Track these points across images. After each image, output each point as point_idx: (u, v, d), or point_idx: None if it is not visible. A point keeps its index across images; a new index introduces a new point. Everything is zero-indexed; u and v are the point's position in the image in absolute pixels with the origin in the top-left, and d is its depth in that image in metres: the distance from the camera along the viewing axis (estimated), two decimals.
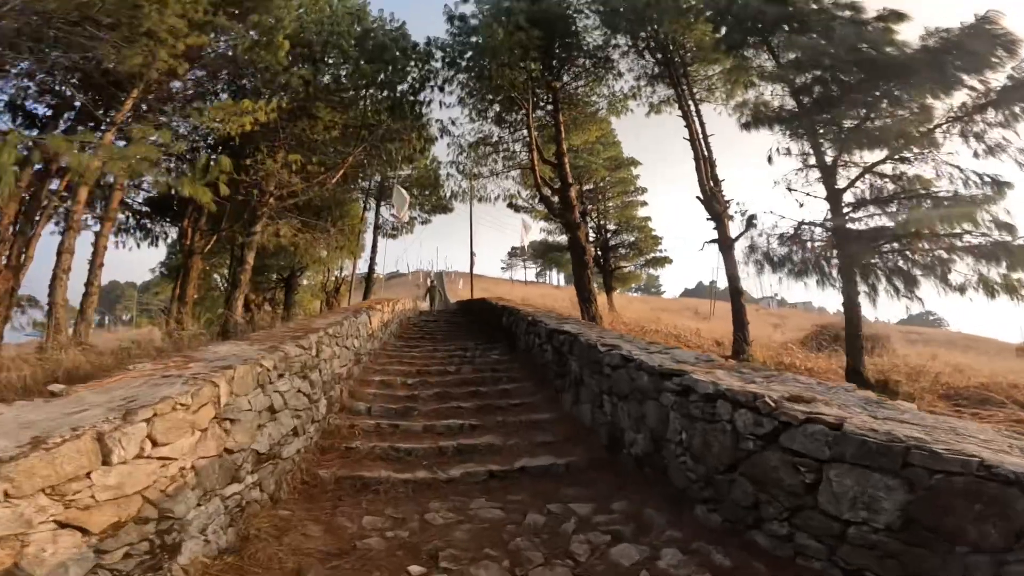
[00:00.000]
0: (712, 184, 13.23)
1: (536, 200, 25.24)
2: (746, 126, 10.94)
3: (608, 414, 4.92)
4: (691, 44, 15.84)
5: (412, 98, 16.05)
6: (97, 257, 12.39)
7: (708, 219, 13.07)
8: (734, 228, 12.71)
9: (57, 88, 11.35)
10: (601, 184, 24.72)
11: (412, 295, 48.34)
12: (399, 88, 15.58)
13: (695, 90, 16.06)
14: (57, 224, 13.77)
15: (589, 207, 23.65)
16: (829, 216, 10.40)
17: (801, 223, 10.06)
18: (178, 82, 11.29)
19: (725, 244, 12.64)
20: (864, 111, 9.94)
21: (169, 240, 18.75)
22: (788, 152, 11.12)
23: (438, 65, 15.87)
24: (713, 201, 12.94)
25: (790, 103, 11.94)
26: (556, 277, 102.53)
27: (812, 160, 10.89)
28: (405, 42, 15.31)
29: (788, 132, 10.62)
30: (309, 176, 14.33)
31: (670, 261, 23.82)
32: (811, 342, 17.41)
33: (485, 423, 5.55)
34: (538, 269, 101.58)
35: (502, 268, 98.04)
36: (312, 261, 17.91)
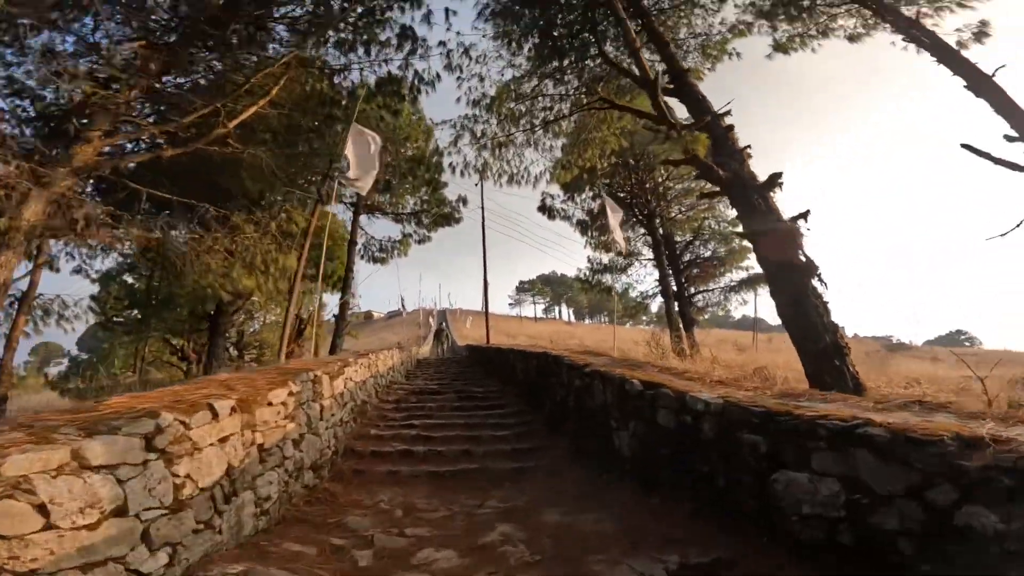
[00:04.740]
0: None
1: (571, 200, 17.67)
2: None
3: None
4: None
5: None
6: None
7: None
8: None
9: None
10: (661, 180, 17.19)
11: (411, 336, 40.25)
12: None
13: None
14: None
15: (654, 206, 16.03)
16: None
17: None
18: None
19: None
20: None
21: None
22: None
23: None
24: None
25: None
26: (566, 313, 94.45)
27: None
28: None
29: None
30: (179, 111, 6.69)
31: None
32: None
33: None
34: (545, 304, 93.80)
35: (510, 304, 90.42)
36: (228, 290, 9.92)
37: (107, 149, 6.39)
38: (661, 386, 3.06)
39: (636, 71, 9.03)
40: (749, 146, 6.43)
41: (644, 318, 37.31)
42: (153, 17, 6.99)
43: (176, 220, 7.35)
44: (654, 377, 3.37)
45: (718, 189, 6.26)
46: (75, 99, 6.30)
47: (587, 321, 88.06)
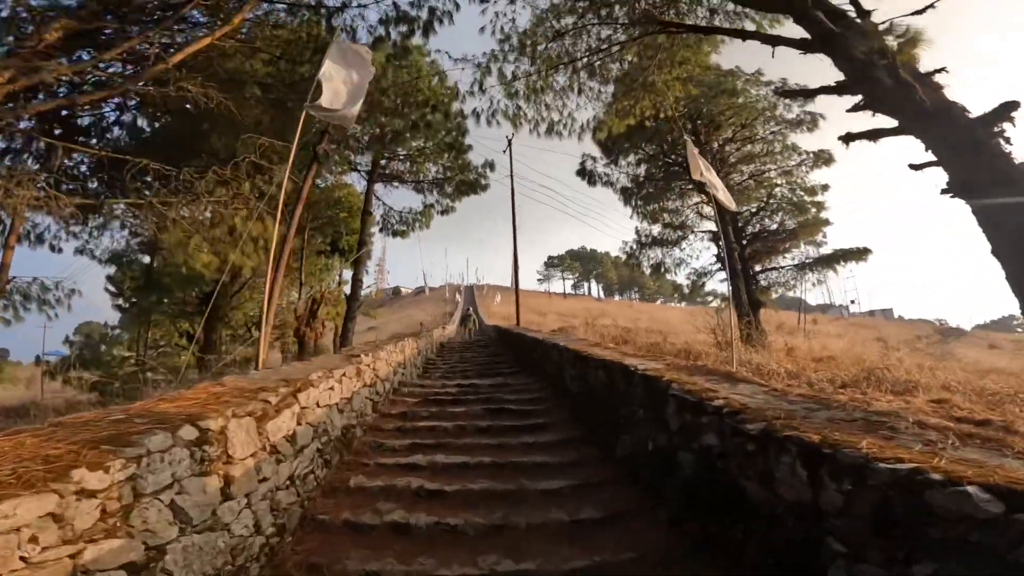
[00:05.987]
0: None
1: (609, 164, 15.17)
2: None
3: None
4: None
5: None
6: None
7: None
8: None
9: None
10: (721, 143, 14.56)
11: (437, 314, 38.74)
12: None
13: None
14: None
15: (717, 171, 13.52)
16: None
17: None
18: None
19: None
20: None
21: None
22: None
23: None
24: None
25: None
26: (595, 289, 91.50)
27: None
28: None
29: None
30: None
31: (866, 254, 13.07)
32: None
33: None
34: (574, 280, 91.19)
35: (538, 280, 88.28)
36: (206, 267, 8.08)
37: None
38: None
39: None
40: (943, 69, 4.02)
41: (675, 295, 35.14)
42: None
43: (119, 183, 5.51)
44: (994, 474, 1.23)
45: (896, 125, 3.94)
46: None
47: (616, 297, 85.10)
